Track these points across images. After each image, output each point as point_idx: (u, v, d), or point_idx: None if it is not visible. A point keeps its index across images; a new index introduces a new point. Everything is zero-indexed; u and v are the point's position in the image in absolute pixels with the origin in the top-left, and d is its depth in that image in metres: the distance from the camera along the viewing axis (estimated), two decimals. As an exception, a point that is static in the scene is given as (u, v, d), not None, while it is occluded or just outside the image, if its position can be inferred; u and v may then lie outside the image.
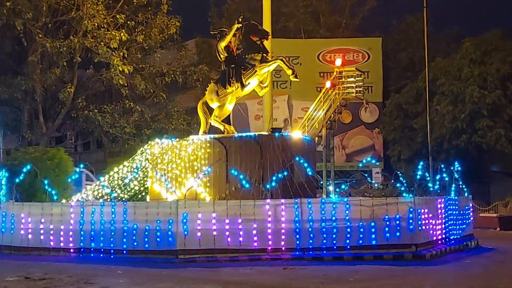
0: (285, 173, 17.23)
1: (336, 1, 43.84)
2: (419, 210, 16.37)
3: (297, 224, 15.91)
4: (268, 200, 16.44)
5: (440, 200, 18.06)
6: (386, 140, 37.56)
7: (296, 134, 20.87)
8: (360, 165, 18.97)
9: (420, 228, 16.30)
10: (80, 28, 30.91)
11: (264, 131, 20.71)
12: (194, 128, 30.93)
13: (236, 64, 19.59)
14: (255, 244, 15.83)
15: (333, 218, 16.03)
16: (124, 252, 16.33)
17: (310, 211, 15.97)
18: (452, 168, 19.87)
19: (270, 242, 15.87)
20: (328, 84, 24.52)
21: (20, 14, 29.56)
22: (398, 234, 15.97)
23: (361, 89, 25.23)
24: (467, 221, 20.11)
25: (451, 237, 18.49)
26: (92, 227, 16.89)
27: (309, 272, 13.83)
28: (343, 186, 19.97)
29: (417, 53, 37.79)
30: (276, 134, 18.90)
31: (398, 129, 35.64)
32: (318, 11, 43.71)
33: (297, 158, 17.90)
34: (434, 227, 17.36)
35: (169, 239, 15.84)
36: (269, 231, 15.89)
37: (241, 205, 16.08)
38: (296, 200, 16.27)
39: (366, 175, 21.40)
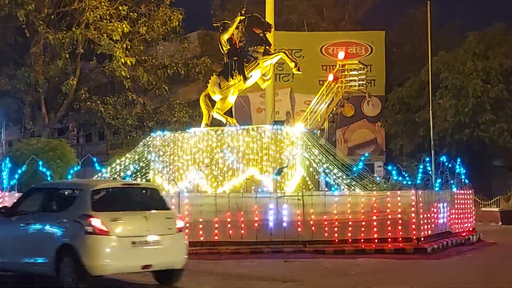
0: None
1: (339, -6, 43.72)
2: (421, 204, 16.38)
3: (299, 217, 15.92)
4: (270, 193, 16.45)
5: (442, 194, 18.06)
6: (388, 134, 37.49)
7: (298, 127, 20.85)
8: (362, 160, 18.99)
9: (421, 221, 16.31)
10: (83, 20, 30.81)
11: (266, 124, 20.70)
12: (196, 121, 30.88)
13: (238, 56, 19.55)
14: (256, 236, 15.85)
15: (335, 211, 16.05)
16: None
17: (312, 204, 15.98)
18: (454, 162, 19.85)
19: (271, 235, 15.88)
20: (330, 77, 24.45)
21: (22, 5, 29.45)
22: (399, 227, 15.98)
23: (363, 82, 25.16)
24: (469, 215, 20.12)
25: (453, 231, 18.51)
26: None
27: (310, 265, 13.84)
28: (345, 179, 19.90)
29: (420, 46, 37.62)
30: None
31: (401, 123, 35.57)
32: (321, 4, 43.52)
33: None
34: (436, 220, 17.36)
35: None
36: (271, 224, 15.91)
37: (242, 198, 16.10)
38: (298, 193, 16.28)
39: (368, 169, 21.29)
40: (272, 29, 20.48)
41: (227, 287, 11.49)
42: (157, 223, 10.64)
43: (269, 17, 22.84)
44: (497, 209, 28.66)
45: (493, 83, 31.79)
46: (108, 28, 30.41)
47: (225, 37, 19.63)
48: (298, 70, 19.84)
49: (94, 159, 19.41)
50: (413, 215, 16.00)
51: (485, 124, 31.46)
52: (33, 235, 10.83)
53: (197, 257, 14.98)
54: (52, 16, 32.03)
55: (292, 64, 19.66)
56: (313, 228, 15.88)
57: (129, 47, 31.69)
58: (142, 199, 11.25)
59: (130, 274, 11.04)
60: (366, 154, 20.72)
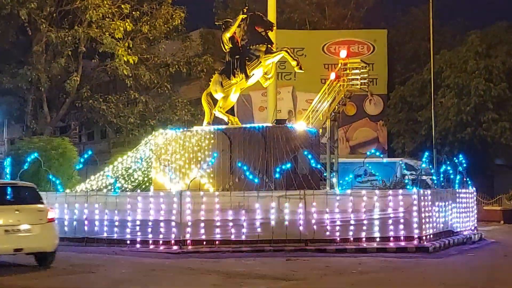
0: (289, 165, 17.23)
1: (341, -8, 43.69)
2: (423, 203, 16.36)
3: (301, 216, 15.90)
4: (271, 192, 16.44)
5: (443, 193, 18.04)
6: (391, 132, 37.48)
7: (300, 125, 20.84)
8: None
9: (423, 220, 16.29)
10: (85, 18, 30.81)
11: (268, 122, 20.69)
12: (198, 119, 30.89)
13: (240, 55, 19.55)
14: (258, 235, 15.84)
15: (336, 210, 16.04)
16: (128, 242, 16.36)
17: (314, 203, 15.96)
18: (456, 161, 19.83)
19: (273, 234, 15.87)
20: (332, 75, 24.41)
21: (24, 4, 29.48)
22: (401, 226, 15.96)
23: (365, 81, 25.09)
24: (470, 214, 20.09)
25: (455, 230, 18.49)
26: (96, 217, 16.93)
27: (311, 264, 13.84)
28: (347, 178, 19.88)
29: (422, 45, 37.62)
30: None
31: (403, 122, 35.57)
32: (323, 2, 43.50)
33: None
34: (438, 219, 17.35)
35: (173, 229, 15.86)
36: (273, 222, 15.89)
37: (244, 196, 16.09)
38: (299, 192, 16.26)
39: (370, 167, 21.29)
40: (274, 28, 20.46)
41: (229, 286, 11.48)
42: (28, 215, 12.87)
43: (271, 16, 22.83)
44: (499, 208, 28.64)
45: (496, 81, 31.76)
46: (111, 26, 30.42)
47: (227, 35, 19.63)
48: (300, 68, 19.82)
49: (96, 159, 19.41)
50: (415, 213, 15.97)
51: (487, 123, 31.44)
52: None
53: (199, 256, 15.00)
54: (54, 15, 32.03)
55: (294, 63, 19.64)
56: (314, 226, 15.86)
57: (131, 46, 31.69)
58: (18, 196, 13.44)
59: (16, 257, 13.31)
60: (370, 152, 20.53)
